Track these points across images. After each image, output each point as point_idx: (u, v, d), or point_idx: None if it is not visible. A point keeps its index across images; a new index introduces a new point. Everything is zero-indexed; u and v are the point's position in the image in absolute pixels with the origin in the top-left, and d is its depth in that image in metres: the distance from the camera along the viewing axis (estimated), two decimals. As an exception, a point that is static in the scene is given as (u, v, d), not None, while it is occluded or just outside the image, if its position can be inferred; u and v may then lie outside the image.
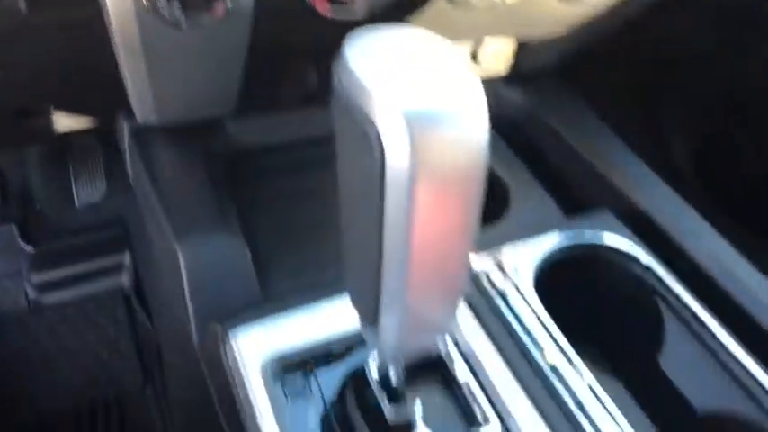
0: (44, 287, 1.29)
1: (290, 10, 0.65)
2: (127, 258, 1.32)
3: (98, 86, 0.80)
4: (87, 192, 1.30)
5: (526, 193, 0.88)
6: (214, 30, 0.60)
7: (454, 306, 0.49)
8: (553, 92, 1.03)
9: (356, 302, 0.51)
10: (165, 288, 0.82)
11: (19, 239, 1.28)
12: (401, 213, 0.39)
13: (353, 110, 0.38)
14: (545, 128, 0.97)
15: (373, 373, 0.60)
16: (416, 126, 0.37)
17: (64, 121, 0.91)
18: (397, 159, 0.37)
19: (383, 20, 0.66)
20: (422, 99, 0.37)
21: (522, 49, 0.98)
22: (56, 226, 1.29)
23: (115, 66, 0.66)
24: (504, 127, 0.99)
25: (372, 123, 0.37)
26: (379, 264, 0.43)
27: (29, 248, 1.28)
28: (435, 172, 0.38)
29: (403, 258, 0.42)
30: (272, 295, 0.68)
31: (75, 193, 1.29)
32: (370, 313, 0.48)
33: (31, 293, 1.28)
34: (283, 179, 0.85)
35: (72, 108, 0.88)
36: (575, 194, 0.89)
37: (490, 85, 1.01)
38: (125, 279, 1.32)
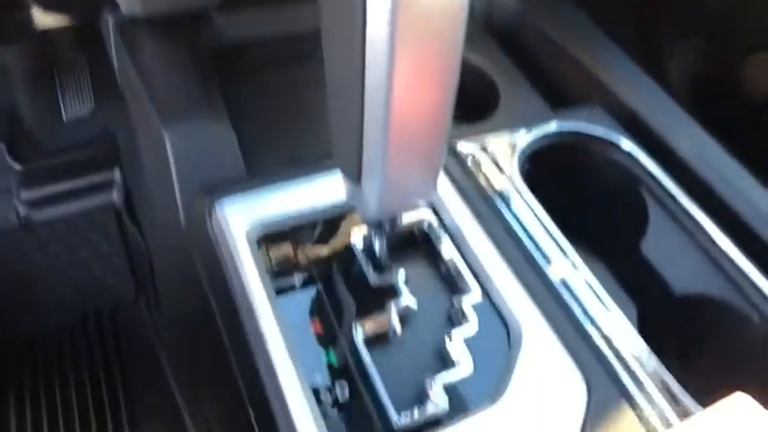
0: (34, 204, 1.29)
1: None
2: (117, 174, 1.32)
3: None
4: (75, 107, 1.29)
5: (516, 92, 0.88)
6: None
7: (435, 169, 0.50)
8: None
9: (341, 162, 0.51)
10: (151, 180, 0.82)
11: (7, 157, 1.27)
12: (381, 63, 0.39)
13: None
14: (537, 31, 0.96)
15: (357, 243, 0.61)
16: None
17: (46, 19, 0.90)
18: (376, 8, 0.37)
19: None
20: None
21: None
22: (44, 143, 1.28)
23: None
24: (497, 31, 0.98)
25: None
26: (360, 120, 0.43)
27: (18, 166, 1.27)
28: (415, 20, 0.38)
29: (383, 113, 0.42)
30: (257, 173, 0.68)
31: (62, 109, 1.28)
32: (353, 172, 0.48)
33: (22, 211, 1.28)
34: (272, 72, 0.84)
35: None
36: (565, 93, 0.89)
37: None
38: (116, 195, 1.32)
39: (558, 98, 0.89)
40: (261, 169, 0.71)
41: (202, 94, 0.75)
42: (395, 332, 0.56)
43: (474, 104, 0.86)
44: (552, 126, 0.75)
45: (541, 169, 0.74)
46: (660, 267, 0.70)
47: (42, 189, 1.29)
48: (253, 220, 0.60)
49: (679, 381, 0.57)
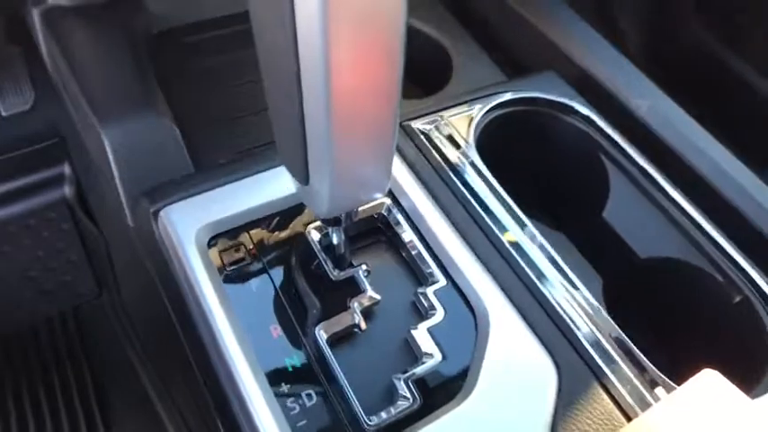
0: (-18, 207, 1.23)
1: None
2: (67, 168, 1.26)
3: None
4: (14, 102, 1.22)
5: (469, 60, 0.85)
6: None
7: (387, 161, 0.47)
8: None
9: (286, 162, 0.49)
10: (100, 178, 0.78)
11: None
12: (316, 51, 0.36)
13: None
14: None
15: (315, 239, 0.59)
16: None
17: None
18: None
19: None
20: None
21: None
22: None
23: None
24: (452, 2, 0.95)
25: None
26: (301, 115, 0.40)
27: (-40, 170, 1.21)
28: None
29: (324, 108, 0.39)
30: (203, 169, 0.65)
31: (0, 105, 1.21)
32: (300, 171, 0.46)
33: (-30, 214, 1.23)
34: (209, 56, 0.80)
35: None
36: (519, 58, 0.87)
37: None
38: (67, 189, 1.27)
39: (512, 64, 0.87)
40: (207, 162, 0.68)
41: (139, 87, 0.71)
42: (359, 329, 0.54)
43: (426, 75, 0.84)
44: (507, 95, 0.73)
45: (498, 140, 0.72)
46: (623, 232, 0.69)
47: (-11, 190, 1.23)
48: (200, 223, 0.57)
49: (648, 351, 0.57)
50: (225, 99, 0.75)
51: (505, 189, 0.66)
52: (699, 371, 0.48)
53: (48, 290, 1.24)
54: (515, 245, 0.61)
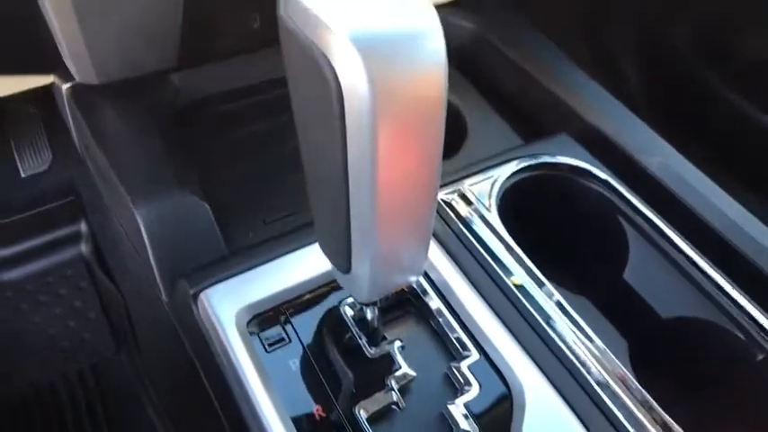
0: (1, 265, 1.25)
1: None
2: (83, 226, 1.28)
3: (26, 41, 0.76)
4: (33, 163, 1.25)
5: (483, 123, 0.88)
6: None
7: (425, 246, 0.49)
8: (501, 16, 1.01)
9: (327, 251, 0.51)
10: (127, 252, 0.80)
11: None
12: (364, 152, 0.38)
13: (303, 43, 0.36)
14: (496, 53, 0.96)
15: (349, 315, 0.60)
16: (373, 57, 0.35)
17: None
18: (354, 93, 0.36)
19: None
20: (376, 28, 0.36)
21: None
22: (5, 202, 1.24)
23: (44, 20, 0.62)
24: (455, 54, 0.98)
25: (325, 58, 0.36)
26: (346, 211, 0.42)
27: (-23, 230, 1.23)
28: (396, 103, 0.37)
29: (370, 202, 0.41)
30: (237, 247, 0.67)
31: (19, 166, 1.24)
32: (342, 262, 0.48)
33: (-11, 273, 1.25)
34: (237, 126, 0.82)
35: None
36: (531, 119, 0.89)
37: (438, 12, 0.99)
38: (84, 247, 1.28)
39: (525, 124, 0.89)
40: (239, 238, 0.70)
41: (170, 163, 0.73)
42: (398, 407, 0.56)
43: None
44: (525, 161, 0.75)
45: (519, 205, 0.74)
46: (644, 294, 0.71)
47: (8, 249, 1.25)
48: (239, 305, 0.59)
49: (675, 412, 0.58)
50: (252, 168, 0.77)
51: (528, 255, 0.68)
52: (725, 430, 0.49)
53: (66, 348, 1.25)
54: (544, 313, 0.62)
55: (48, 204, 1.26)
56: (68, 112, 0.83)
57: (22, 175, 1.23)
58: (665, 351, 0.69)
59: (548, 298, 0.64)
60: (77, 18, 0.61)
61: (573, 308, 0.64)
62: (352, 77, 0.35)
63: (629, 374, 0.59)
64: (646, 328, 0.70)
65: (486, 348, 0.59)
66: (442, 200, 0.71)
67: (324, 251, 0.50)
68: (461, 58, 0.97)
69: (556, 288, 0.65)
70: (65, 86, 0.81)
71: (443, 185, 0.72)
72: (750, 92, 1.44)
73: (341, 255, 0.47)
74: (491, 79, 0.95)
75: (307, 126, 0.43)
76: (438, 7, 1.05)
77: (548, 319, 0.62)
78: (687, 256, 0.70)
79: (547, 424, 0.54)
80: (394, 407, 0.56)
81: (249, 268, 0.61)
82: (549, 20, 1.19)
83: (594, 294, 0.74)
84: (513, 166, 0.74)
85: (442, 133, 0.41)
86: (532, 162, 0.75)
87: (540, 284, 0.65)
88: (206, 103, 0.83)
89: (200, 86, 0.83)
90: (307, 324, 0.60)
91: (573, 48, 1.36)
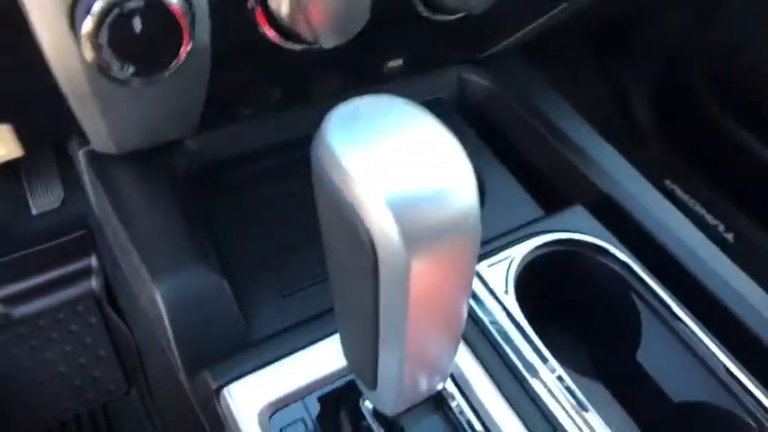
0: (12, 300, 1.26)
1: (247, 41, 0.62)
2: (94, 261, 1.29)
3: (44, 109, 0.76)
4: (44, 201, 1.25)
5: (500, 187, 0.88)
6: (170, 78, 0.57)
7: (453, 356, 0.50)
8: (516, 72, 1.02)
9: (354, 370, 0.51)
10: (144, 312, 0.81)
11: None
12: (397, 302, 0.39)
13: (339, 198, 0.37)
14: (512, 113, 0.96)
15: (369, 409, 0.61)
16: (407, 217, 0.36)
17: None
18: (389, 253, 0.36)
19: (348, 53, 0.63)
20: (409, 186, 0.36)
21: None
22: (16, 237, 1.25)
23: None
24: (471, 113, 0.98)
25: (360, 218, 0.36)
26: (375, 342, 0.43)
27: (-11, 265, 1.24)
28: (430, 258, 0.37)
29: (400, 337, 0.41)
30: (256, 326, 0.68)
31: (31, 203, 1.24)
32: (368, 380, 0.48)
33: (0, 308, 1.25)
34: (252, 191, 0.83)
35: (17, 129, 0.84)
36: (545, 183, 0.90)
37: (454, 69, 0.99)
38: (95, 283, 1.29)
39: (537, 185, 0.90)
40: (257, 313, 0.71)
41: (189, 238, 0.73)
42: None
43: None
44: (540, 239, 0.76)
45: (533, 284, 0.74)
46: (657, 376, 0.71)
47: (18, 284, 1.26)
48: (262, 402, 0.60)
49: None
50: (268, 234, 0.78)
51: (543, 336, 0.68)
52: None
53: (76, 385, 1.26)
54: (556, 400, 0.63)
55: (58, 239, 1.26)
56: (86, 177, 0.84)
57: (34, 213, 1.23)
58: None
59: (565, 391, 0.64)
60: (101, 113, 0.61)
61: (587, 394, 0.65)
62: (387, 239, 0.36)
63: None
64: (657, 412, 0.70)
65: None
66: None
67: (350, 367, 0.51)
68: (477, 117, 0.98)
69: (570, 373, 0.66)
70: (81, 151, 0.82)
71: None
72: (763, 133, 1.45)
73: (366, 373, 0.48)
74: (507, 140, 0.96)
75: (335, 255, 0.44)
76: (455, 64, 1.05)
77: (561, 406, 0.63)
78: (700, 339, 0.70)
79: None
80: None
81: (272, 361, 0.62)
82: (558, 65, 1.20)
83: (608, 376, 0.75)
84: (528, 245, 0.75)
85: (473, 274, 0.42)
86: (548, 239, 0.76)
87: (554, 373, 0.65)
88: (222, 166, 0.84)
89: (216, 149, 0.83)
90: (327, 417, 0.61)
91: (587, 86, 1.37)
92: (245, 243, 0.78)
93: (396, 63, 0.85)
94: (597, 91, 1.58)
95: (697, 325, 0.71)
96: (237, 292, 0.71)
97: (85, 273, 1.29)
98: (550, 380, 0.65)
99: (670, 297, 0.73)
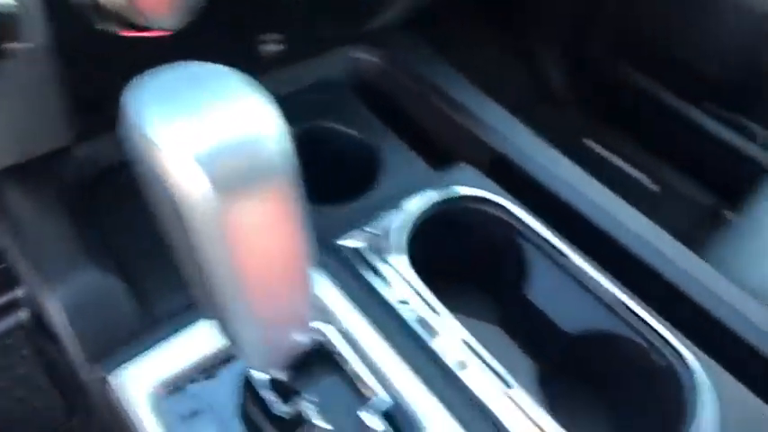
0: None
1: (89, 37, 0.62)
2: (20, 292, 1.27)
3: None
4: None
5: (395, 157, 0.89)
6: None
7: (305, 308, 0.50)
8: (406, 46, 1.03)
9: (213, 321, 0.52)
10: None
11: None
12: (222, 252, 0.40)
13: (151, 167, 0.37)
14: (403, 85, 0.98)
15: (258, 377, 0.61)
16: (215, 167, 0.36)
17: None
18: (202, 205, 0.37)
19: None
20: (214, 138, 0.36)
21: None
22: None
23: None
24: (362, 90, 1.00)
25: (171, 178, 0.37)
26: (218, 295, 0.44)
27: None
28: (244, 203, 0.38)
29: (238, 287, 0.42)
30: (151, 320, 0.68)
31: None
32: (225, 331, 0.49)
33: (-72, 352, 1.22)
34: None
35: None
36: (440, 150, 0.91)
37: (342, 49, 1.01)
38: (23, 314, 1.27)
39: (433, 153, 0.91)
40: (155, 307, 0.71)
41: (80, 241, 0.73)
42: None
43: (355, 174, 0.88)
44: (427, 198, 0.77)
45: (425, 242, 0.76)
46: (549, 312, 0.73)
47: (-57, 325, 1.23)
48: (150, 384, 0.60)
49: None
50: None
51: (438, 290, 0.70)
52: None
53: (18, 418, 1.24)
54: (449, 352, 0.64)
55: None
56: None
57: None
58: (572, 366, 0.72)
59: (456, 335, 0.66)
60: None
61: (485, 339, 0.66)
62: (199, 193, 0.36)
63: (533, 402, 0.61)
64: (553, 346, 0.72)
65: (394, 394, 0.61)
66: (345, 246, 0.73)
67: (212, 321, 0.52)
68: (371, 94, 0.99)
69: (467, 321, 0.68)
70: None
71: (348, 232, 0.74)
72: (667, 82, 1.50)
73: (223, 326, 0.48)
74: (401, 112, 0.98)
75: (160, 213, 0.44)
76: (342, 43, 1.06)
77: (455, 357, 0.64)
78: (588, 274, 0.73)
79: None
80: (310, 466, 0.57)
81: (159, 343, 0.62)
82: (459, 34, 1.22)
83: (505, 320, 0.77)
84: (419, 205, 0.76)
85: (299, 221, 0.43)
86: (435, 199, 0.78)
87: (446, 324, 0.67)
88: (113, 170, 0.84)
89: (102, 155, 0.83)
90: (220, 393, 0.62)
91: (494, 58, 1.39)
92: (137, 245, 0.78)
93: (275, 47, 0.86)
94: (507, 62, 1.61)
95: (586, 260, 0.73)
96: (137, 290, 0.71)
97: (12, 305, 1.27)
98: (446, 331, 0.66)
99: (556, 236, 0.75)
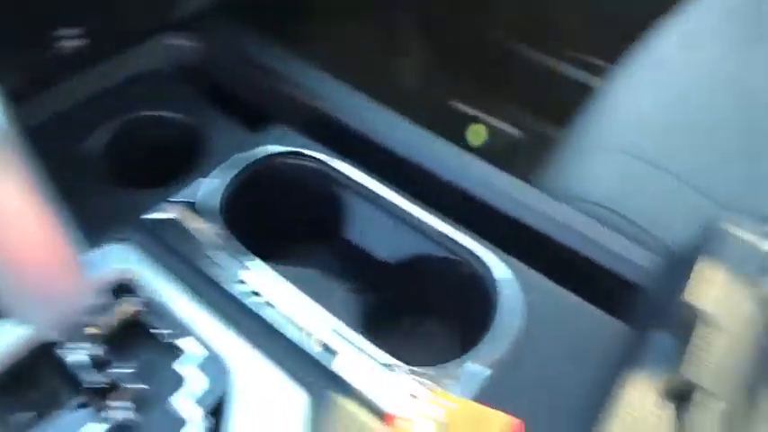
0: None
1: None
2: None
3: None
4: None
5: (215, 133, 0.90)
6: None
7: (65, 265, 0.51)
8: (223, 27, 1.05)
9: None
10: None
11: None
12: None
13: None
14: (222, 65, 1.00)
15: (67, 357, 0.62)
16: None
17: None
18: None
19: None
20: None
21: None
22: None
23: None
24: (186, 75, 1.01)
25: None
26: None
27: None
28: None
29: None
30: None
31: None
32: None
33: None
34: None
35: None
36: (263, 119, 0.93)
37: (158, 37, 1.02)
38: None
39: (251, 118, 0.93)
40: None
41: None
42: (133, 423, 0.58)
43: (182, 159, 0.89)
44: (240, 159, 0.79)
45: (243, 204, 0.78)
46: (368, 247, 0.76)
47: None
48: None
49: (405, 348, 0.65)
50: None
51: (259, 247, 0.72)
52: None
53: None
54: (264, 297, 0.67)
55: None
56: None
57: None
58: (401, 295, 0.76)
59: (274, 287, 0.68)
60: None
61: (309, 286, 0.69)
62: None
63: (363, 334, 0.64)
64: (382, 281, 0.76)
65: (209, 346, 0.63)
66: (152, 218, 0.74)
67: None
68: (192, 78, 1.01)
69: (290, 270, 0.70)
70: None
71: (157, 209, 0.75)
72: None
73: None
74: (224, 92, 0.99)
75: None
76: (161, 31, 1.06)
77: (277, 309, 0.66)
78: (400, 206, 0.76)
79: (258, 395, 0.59)
80: (130, 423, 0.58)
81: None
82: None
83: (330, 264, 0.80)
84: (226, 169, 0.78)
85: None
86: (248, 161, 0.80)
87: (266, 274, 0.69)
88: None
89: None
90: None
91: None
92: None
93: (73, 42, 0.86)
94: (371, 37, 1.65)
95: (399, 195, 0.77)
96: None
97: None
98: (265, 284, 0.68)
99: (369, 177, 0.78)
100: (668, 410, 0.54)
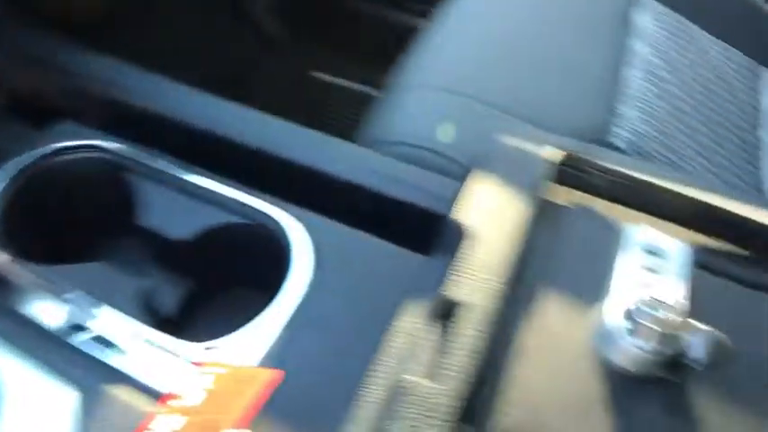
0: None
1: None
2: None
3: None
4: None
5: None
6: None
7: None
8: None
9: None
10: None
11: None
12: None
13: None
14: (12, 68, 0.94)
15: None
16: None
17: None
18: None
19: None
20: None
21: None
22: None
23: None
24: None
25: None
26: None
27: None
28: None
29: None
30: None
31: None
32: None
33: None
34: None
35: None
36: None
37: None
38: None
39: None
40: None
41: None
42: None
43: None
44: (26, 159, 0.75)
45: (29, 204, 0.74)
46: (161, 228, 0.72)
47: None
48: None
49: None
50: None
51: (52, 249, 0.68)
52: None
53: None
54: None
55: None
56: None
57: None
58: (204, 271, 0.73)
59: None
60: None
61: (94, 281, 0.65)
62: None
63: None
64: (177, 258, 0.73)
65: None
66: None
67: None
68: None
69: (82, 268, 0.67)
70: None
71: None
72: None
73: None
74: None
75: None
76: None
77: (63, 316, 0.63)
78: (188, 179, 0.73)
79: (32, 400, 0.55)
80: None
81: None
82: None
83: (127, 254, 0.76)
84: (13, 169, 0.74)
85: None
86: (27, 162, 0.75)
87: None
88: None
89: None
90: None
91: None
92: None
93: None
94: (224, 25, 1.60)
95: (194, 169, 0.74)
96: None
97: None
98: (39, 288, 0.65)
99: (159, 157, 0.75)
100: (434, 331, 0.53)
